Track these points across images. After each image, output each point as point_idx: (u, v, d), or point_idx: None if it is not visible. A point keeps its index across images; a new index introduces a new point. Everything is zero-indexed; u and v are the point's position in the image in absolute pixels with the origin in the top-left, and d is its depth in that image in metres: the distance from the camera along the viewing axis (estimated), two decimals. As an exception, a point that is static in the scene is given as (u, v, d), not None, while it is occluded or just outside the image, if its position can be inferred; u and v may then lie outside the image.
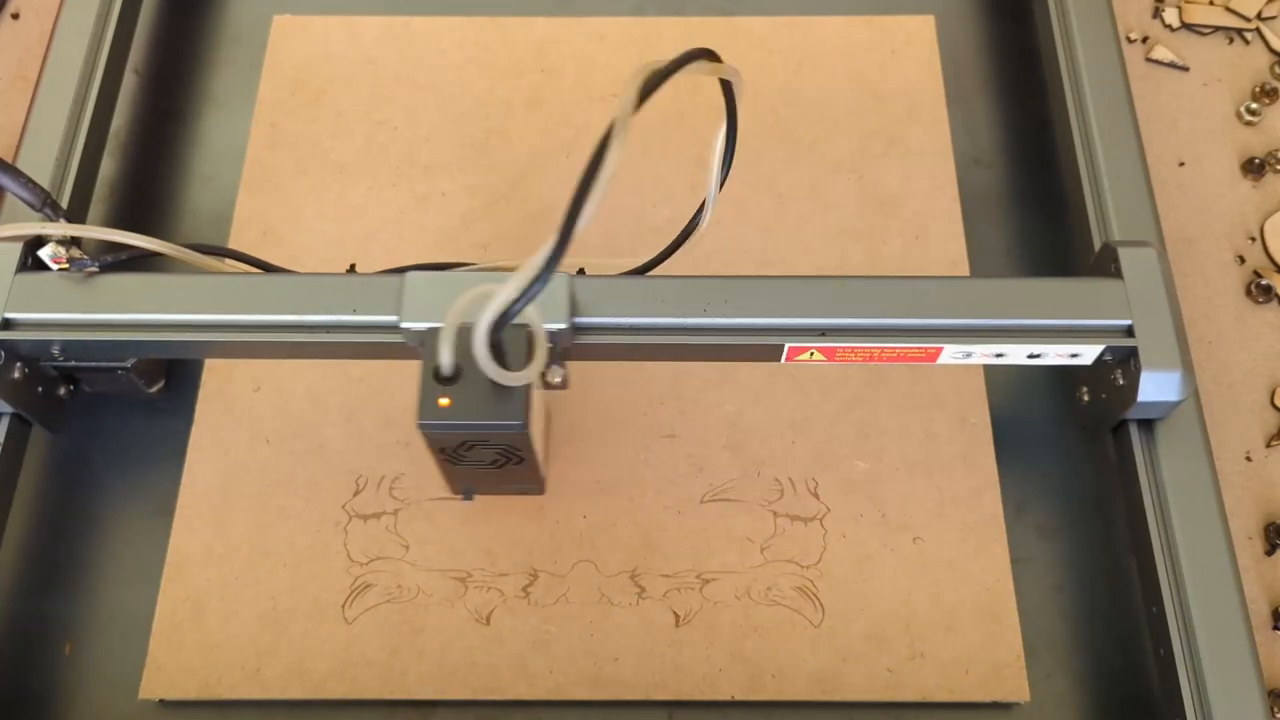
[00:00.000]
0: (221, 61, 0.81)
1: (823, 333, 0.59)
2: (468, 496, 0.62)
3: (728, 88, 0.53)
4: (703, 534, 0.65)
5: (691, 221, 0.61)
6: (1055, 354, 0.59)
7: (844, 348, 0.59)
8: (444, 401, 0.53)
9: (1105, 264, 0.62)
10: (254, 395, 0.68)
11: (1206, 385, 0.70)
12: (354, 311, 0.59)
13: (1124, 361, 0.60)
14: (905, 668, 0.61)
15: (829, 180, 0.75)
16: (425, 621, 0.62)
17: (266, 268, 0.65)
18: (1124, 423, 0.62)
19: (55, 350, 0.60)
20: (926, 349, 0.59)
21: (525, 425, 0.53)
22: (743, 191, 0.75)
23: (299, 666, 0.61)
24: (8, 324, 0.59)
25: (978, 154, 0.77)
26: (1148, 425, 0.62)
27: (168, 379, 0.69)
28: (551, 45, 0.81)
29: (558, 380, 0.56)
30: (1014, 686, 0.61)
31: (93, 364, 0.62)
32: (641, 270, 0.63)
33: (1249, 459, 0.69)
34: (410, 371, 0.55)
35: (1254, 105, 0.80)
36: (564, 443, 0.67)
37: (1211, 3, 0.85)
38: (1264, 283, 0.74)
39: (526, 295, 0.46)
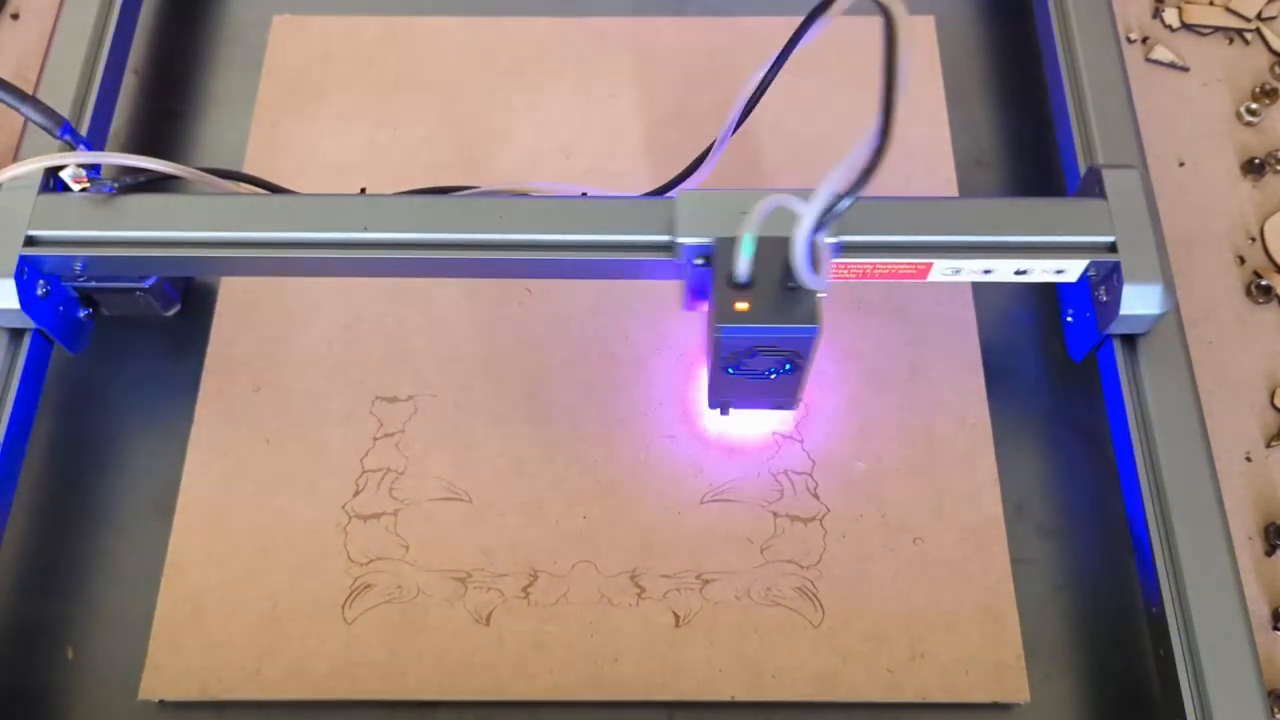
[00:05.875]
0: (221, 61, 0.81)
1: None
2: (724, 411, 0.65)
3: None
4: (703, 534, 0.65)
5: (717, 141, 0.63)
6: (1041, 270, 0.61)
7: (837, 264, 0.60)
8: (741, 306, 0.55)
9: (1090, 187, 0.64)
10: (254, 395, 0.68)
11: (1206, 385, 0.69)
12: (365, 229, 0.61)
13: (1107, 278, 0.62)
14: (905, 668, 0.61)
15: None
16: (425, 621, 0.62)
17: (278, 190, 0.68)
18: (1108, 341, 0.64)
19: (77, 267, 0.62)
20: (916, 265, 0.61)
21: (820, 329, 0.55)
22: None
23: (299, 666, 0.61)
24: (31, 241, 0.61)
25: (978, 154, 0.77)
26: (1130, 343, 0.63)
27: (184, 302, 0.70)
28: (551, 45, 0.81)
29: (824, 296, 0.58)
30: (1014, 687, 0.61)
31: (112, 284, 0.65)
32: (659, 193, 0.65)
33: (1249, 459, 0.69)
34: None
35: (1254, 105, 0.80)
36: (564, 443, 0.67)
37: (1211, 3, 0.85)
38: (1264, 283, 0.74)
39: (845, 199, 0.48)
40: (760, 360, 0.58)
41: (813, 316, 0.55)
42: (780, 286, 0.55)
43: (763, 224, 0.52)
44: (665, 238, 0.60)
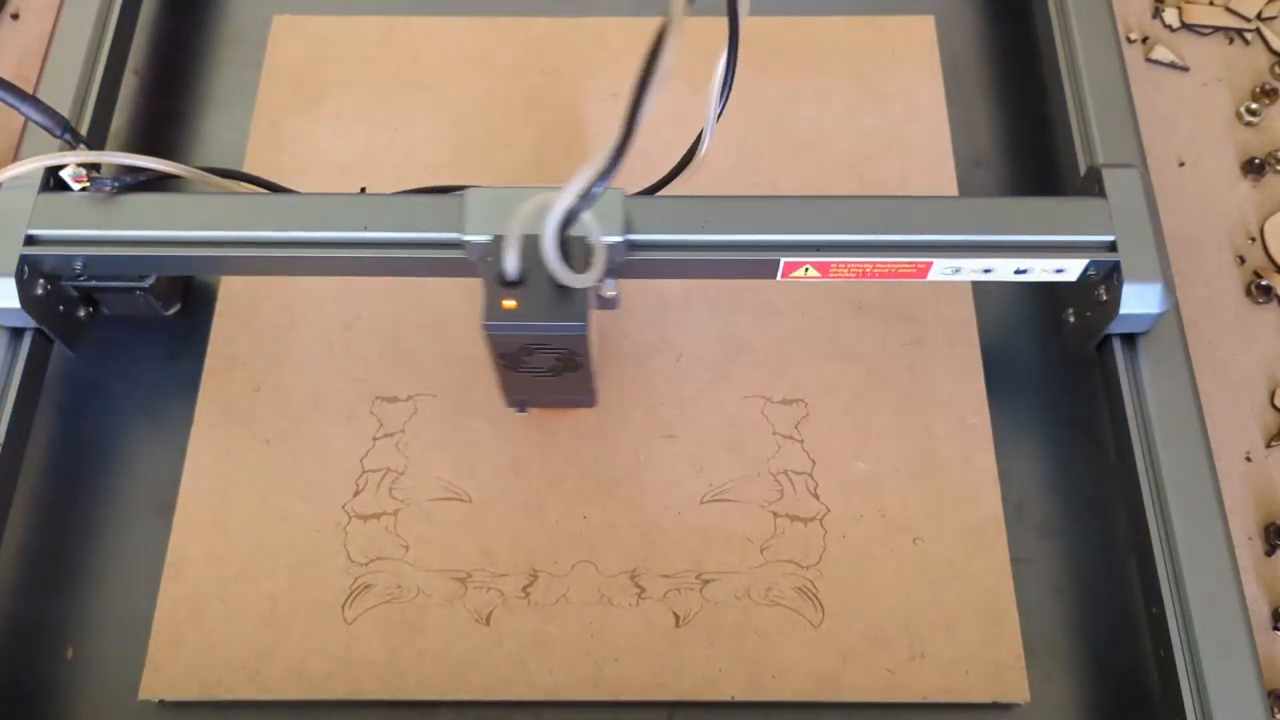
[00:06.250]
0: (221, 61, 0.81)
1: (817, 248, 0.61)
2: (521, 409, 0.66)
3: (731, 6, 0.53)
4: (703, 534, 0.65)
5: (691, 148, 0.63)
6: (1041, 269, 0.61)
7: (838, 263, 0.61)
8: (509, 304, 0.55)
9: (1090, 186, 0.65)
10: (254, 395, 0.68)
11: (1206, 385, 0.69)
12: (365, 228, 0.61)
13: (1107, 277, 0.62)
14: (905, 668, 0.61)
15: (829, 180, 0.75)
16: (425, 622, 0.62)
17: (277, 189, 0.68)
18: (1108, 339, 0.64)
19: (77, 266, 0.63)
20: (917, 264, 0.61)
21: (586, 326, 0.56)
22: (743, 191, 0.75)
23: (299, 666, 0.61)
24: (31, 240, 0.61)
25: (978, 154, 0.77)
26: (1130, 341, 0.64)
27: (184, 302, 0.71)
28: (551, 45, 0.81)
29: (611, 294, 0.59)
30: (1014, 686, 0.61)
31: (112, 284, 0.65)
32: (649, 193, 0.65)
33: (1249, 459, 0.69)
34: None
35: (1254, 105, 0.80)
36: (563, 443, 0.67)
37: (1211, 3, 0.85)
38: (1264, 283, 0.74)
39: (590, 195, 0.48)
40: (539, 357, 0.59)
41: (580, 314, 0.55)
42: (552, 284, 0.55)
43: (530, 220, 0.52)
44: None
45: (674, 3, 0.46)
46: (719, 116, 0.60)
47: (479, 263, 0.60)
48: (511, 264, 0.55)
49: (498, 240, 0.57)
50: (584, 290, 0.56)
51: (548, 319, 0.56)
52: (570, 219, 0.50)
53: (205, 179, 0.65)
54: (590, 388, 0.64)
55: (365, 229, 0.61)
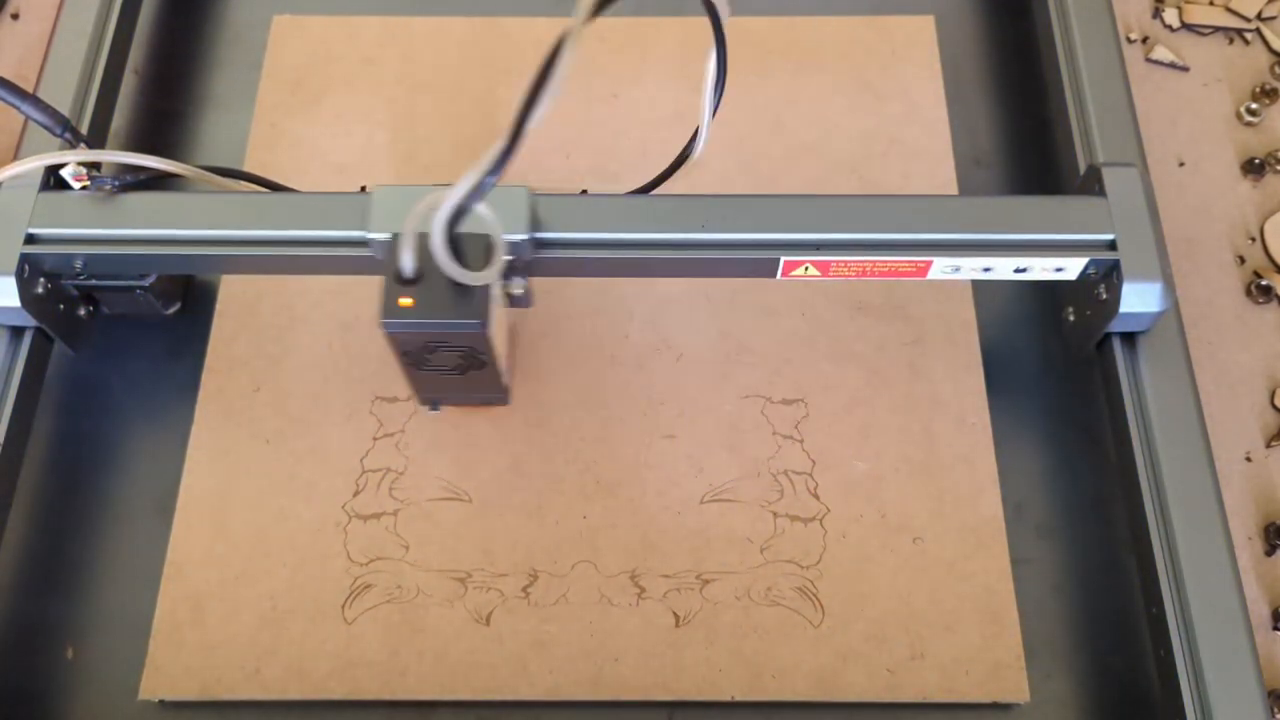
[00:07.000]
0: (221, 61, 0.81)
1: (817, 247, 0.61)
2: (434, 407, 0.66)
3: (711, 8, 0.54)
4: (703, 534, 0.65)
5: (687, 146, 0.63)
6: (1041, 268, 0.62)
7: (838, 261, 0.61)
8: (405, 301, 0.55)
9: (1090, 185, 0.65)
10: (254, 395, 0.68)
11: (1206, 385, 0.69)
12: (277, 227, 0.62)
13: (1107, 275, 0.62)
14: (905, 668, 0.61)
15: (829, 180, 0.75)
16: (425, 621, 0.62)
17: (278, 188, 0.68)
18: (1108, 338, 0.64)
19: (78, 265, 0.63)
20: (917, 263, 0.61)
21: (485, 324, 0.55)
22: (743, 191, 0.75)
23: (299, 666, 0.61)
24: (32, 239, 0.62)
25: (978, 154, 0.77)
26: (1130, 340, 0.64)
27: (184, 301, 0.71)
28: (551, 45, 0.80)
29: (519, 292, 0.59)
30: (1014, 687, 0.61)
31: (112, 283, 0.65)
32: (642, 192, 0.65)
33: (1249, 459, 0.69)
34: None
35: (1254, 105, 0.80)
36: (564, 443, 0.67)
37: (1211, 3, 0.85)
38: (1264, 283, 0.74)
39: (478, 191, 0.49)
40: (442, 356, 0.58)
41: (479, 312, 0.55)
42: (450, 282, 0.54)
43: (426, 217, 0.52)
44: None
45: (577, 10, 0.47)
46: (714, 114, 0.60)
47: (384, 261, 0.60)
48: (407, 261, 0.54)
49: (394, 237, 0.57)
50: (484, 288, 0.55)
51: (445, 316, 0.55)
52: (458, 216, 0.50)
53: (206, 178, 0.66)
54: (500, 385, 0.63)
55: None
